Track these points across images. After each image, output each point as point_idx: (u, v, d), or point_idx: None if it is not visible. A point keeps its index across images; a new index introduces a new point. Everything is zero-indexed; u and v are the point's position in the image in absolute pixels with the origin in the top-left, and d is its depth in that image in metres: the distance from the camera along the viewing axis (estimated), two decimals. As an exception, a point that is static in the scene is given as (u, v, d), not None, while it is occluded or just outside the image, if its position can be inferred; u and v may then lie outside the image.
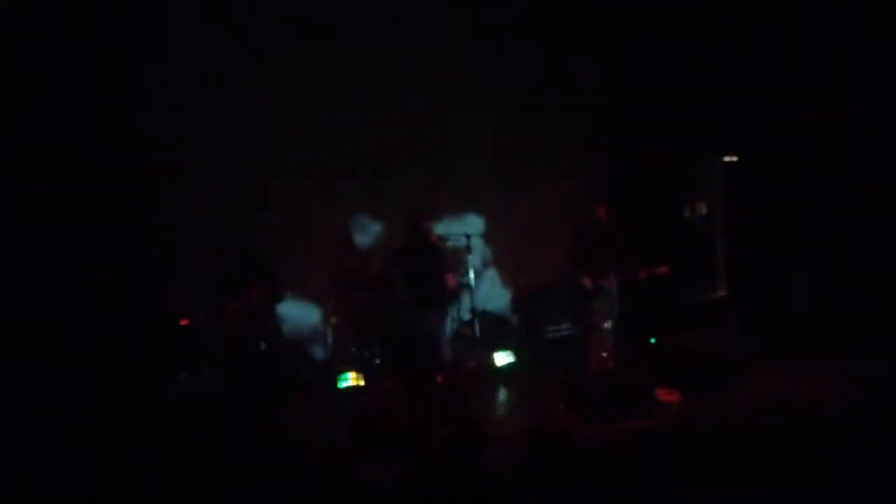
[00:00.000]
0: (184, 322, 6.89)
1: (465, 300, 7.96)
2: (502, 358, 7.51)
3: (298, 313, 7.83)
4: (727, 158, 8.84)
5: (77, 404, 6.03)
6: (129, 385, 6.42)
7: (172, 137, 7.41)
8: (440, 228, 8.18)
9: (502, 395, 7.07)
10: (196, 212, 7.42)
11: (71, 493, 4.93)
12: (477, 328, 7.66)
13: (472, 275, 7.70)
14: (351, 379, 7.10)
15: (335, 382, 7.09)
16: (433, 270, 6.75)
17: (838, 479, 4.28)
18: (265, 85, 7.73)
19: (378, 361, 7.41)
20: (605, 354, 6.77)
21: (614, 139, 9.05)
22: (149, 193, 7.30)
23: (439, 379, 7.11)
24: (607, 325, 6.82)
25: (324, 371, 7.43)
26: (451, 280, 6.90)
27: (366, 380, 7.10)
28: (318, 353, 7.87)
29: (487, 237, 8.67)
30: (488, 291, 8.62)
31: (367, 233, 8.30)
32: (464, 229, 8.00)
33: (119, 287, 6.73)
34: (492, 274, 8.81)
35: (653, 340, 6.79)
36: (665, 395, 6.15)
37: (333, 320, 7.86)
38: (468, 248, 7.74)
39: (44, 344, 6.23)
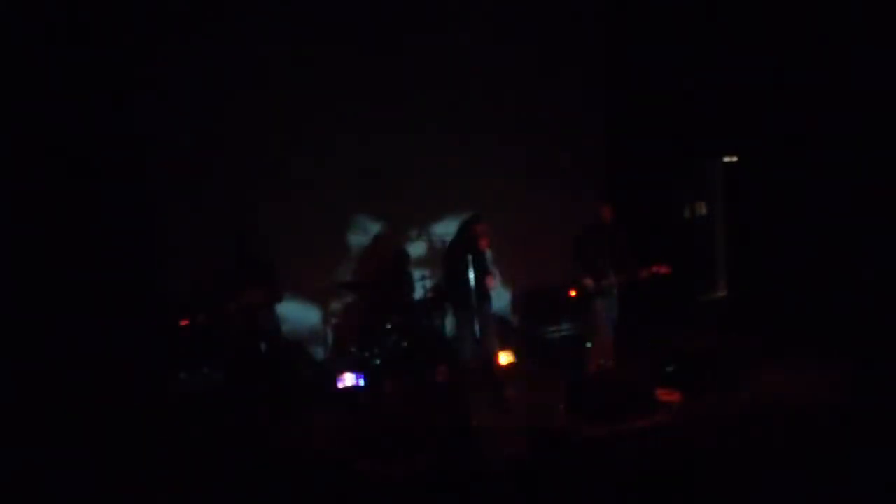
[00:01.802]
0: (184, 322, 6.88)
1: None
2: (502, 358, 7.50)
3: (298, 313, 7.83)
4: (727, 158, 8.85)
5: (77, 404, 6.03)
6: (129, 385, 6.42)
7: (172, 137, 7.40)
8: (441, 228, 8.22)
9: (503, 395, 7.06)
10: (196, 212, 7.41)
11: (70, 493, 4.93)
12: (477, 328, 7.64)
13: (472, 275, 7.67)
14: (351, 379, 7.09)
15: (335, 382, 7.09)
16: (479, 273, 6.72)
17: (838, 478, 4.28)
18: (265, 84, 7.72)
19: (378, 362, 7.40)
20: (604, 359, 6.76)
21: (614, 139, 9.05)
22: (148, 193, 7.29)
23: (439, 379, 7.14)
24: (607, 324, 6.82)
25: (324, 371, 7.43)
26: (491, 282, 6.89)
27: (366, 380, 7.09)
28: (318, 353, 7.87)
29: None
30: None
31: (367, 233, 8.30)
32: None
33: (119, 287, 6.73)
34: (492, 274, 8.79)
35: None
36: (665, 395, 6.15)
37: (333, 320, 7.86)
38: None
39: (44, 344, 6.23)
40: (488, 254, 8.12)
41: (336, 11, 7.94)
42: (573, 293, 6.90)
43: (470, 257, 6.56)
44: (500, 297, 8.79)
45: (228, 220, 7.25)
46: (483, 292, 6.78)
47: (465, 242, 6.76)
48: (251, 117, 7.66)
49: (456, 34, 8.41)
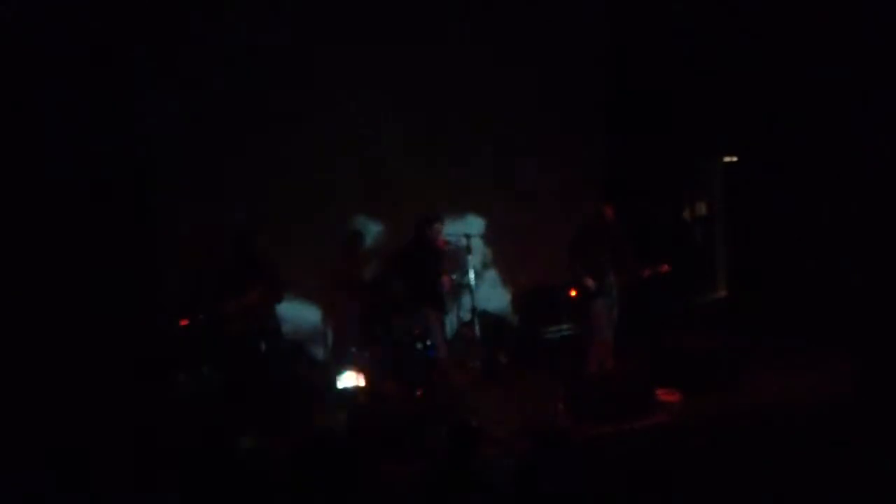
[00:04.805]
0: (184, 322, 6.88)
1: (466, 300, 7.96)
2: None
3: (298, 313, 7.82)
4: (727, 158, 8.85)
5: (76, 404, 6.02)
6: (128, 385, 6.41)
7: (172, 137, 7.40)
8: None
9: (502, 395, 7.07)
10: (196, 212, 7.41)
11: (70, 494, 4.93)
12: (477, 328, 7.65)
13: (472, 275, 7.69)
14: (351, 379, 7.09)
15: (335, 383, 7.09)
16: (433, 272, 6.75)
17: (838, 478, 4.28)
18: (266, 84, 7.72)
19: (378, 361, 7.39)
20: (604, 359, 6.77)
21: (614, 139, 9.04)
22: (148, 193, 7.29)
23: (436, 379, 7.13)
24: (607, 324, 6.82)
25: (324, 371, 7.43)
26: (447, 282, 6.94)
27: (366, 380, 7.09)
28: (318, 353, 7.87)
29: (487, 237, 8.66)
30: (488, 291, 8.60)
31: (366, 233, 8.29)
32: (464, 229, 8.00)
33: (119, 287, 6.73)
34: (492, 274, 8.80)
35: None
36: (665, 395, 6.16)
37: (333, 320, 7.86)
38: (468, 248, 7.74)
39: (43, 344, 6.23)
40: (474, 255, 8.13)
41: (336, 12, 7.94)
42: (573, 293, 6.91)
43: (428, 257, 6.63)
44: (500, 297, 8.81)
45: (228, 220, 7.25)
46: (439, 293, 6.83)
47: (424, 242, 6.81)
48: (252, 117, 7.66)
49: (456, 34, 8.40)
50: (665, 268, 6.73)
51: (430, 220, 6.94)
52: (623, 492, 4.18)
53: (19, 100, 6.43)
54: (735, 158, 8.74)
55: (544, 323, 8.26)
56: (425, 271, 6.83)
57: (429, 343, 6.90)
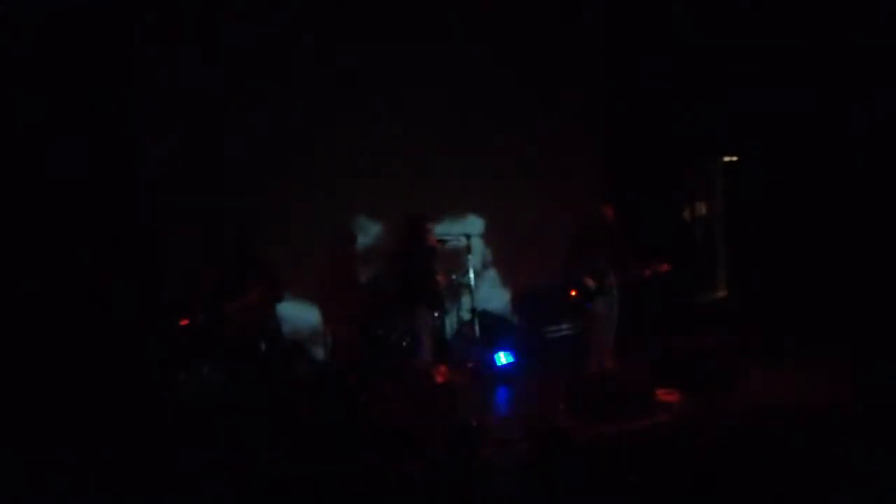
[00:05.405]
0: (184, 322, 6.88)
1: (465, 300, 7.96)
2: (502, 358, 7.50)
3: (298, 313, 7.82)
4: (727, 158, 8.86)
5: (76, 404, 6.03)
6: (128, 385, 6.42)
7: (172, 136, 7.40)
8: (441, 228, 8.21)
9: (502, 395, 7.08)
10: (196, 211, 7.41)
11: (70, 493, 4.93)
12: (477, 328, 7.65)
13: (472, 275, 7.69)
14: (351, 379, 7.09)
15: (336, 382, 7.09)
16: (427, 271, 6.77)
17: (837, 478, 4.28)
18: (265, 84, 7.72)
19: (378, 361, 7.40)
20: (604, 359, 6.77)
21: (614, 139, 9.05)
22: (149, 193, 7.29)
23: (439, 379, 7.13)
24: (607, 324, 6.82)
25: (324, 371, 7.43)
26: (443, 281, 6.98)
27: (365, 380, 7.09)
28: (318, 353, 7.87)
29: (487, 237, 8.66)
30: (488, 291, 8.60)
31: (366, 233, 8.29)
32: (464, 229, 8.00)
33: (118, 287, 6.73)
34: (492, 274, 8.80)
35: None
36: (665, 395, 6.16)
37: (333, 321, 7.86)
38: (468, 248, 7.74)
39: (43, 344, 6.23)
40: (474, 255, 8.15)
41: (335, 14, 7.94)
42: (573, 293, 6.91)
43: (422, 257, 6.67)
44: (500, 297, 8.82)
45: (229, 220, 7.25)
46: (434, 292, 6.86)
47: (418, 242, 6.84)
48: (251, 118, 7.66)
49: (456, 34, 8.40)
50: (665, 268, 6.72)
51: (420, 219, 6.95)
52: (623, 492, 4.18)
53: (19, 100, 6.43)
54: (735, 158, 8.75)
55: (544, 323, 8.27)
56: (418, 271, 6.84)
57: (415, 343, 6.92)
